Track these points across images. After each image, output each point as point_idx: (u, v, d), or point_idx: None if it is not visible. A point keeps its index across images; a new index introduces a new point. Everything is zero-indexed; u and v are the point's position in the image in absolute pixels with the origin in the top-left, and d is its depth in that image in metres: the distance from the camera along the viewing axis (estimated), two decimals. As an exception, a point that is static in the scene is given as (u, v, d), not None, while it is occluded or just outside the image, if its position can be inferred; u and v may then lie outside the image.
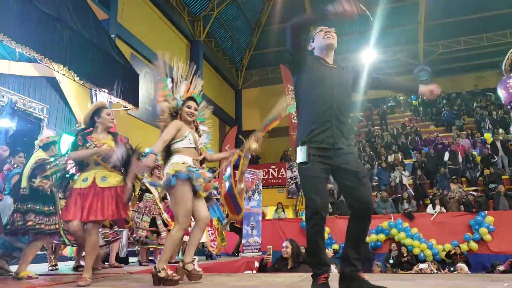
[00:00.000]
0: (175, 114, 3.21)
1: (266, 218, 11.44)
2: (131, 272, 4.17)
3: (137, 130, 11.14)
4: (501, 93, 6.67)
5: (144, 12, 12.62)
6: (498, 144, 11.84)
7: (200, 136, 3.25)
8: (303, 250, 6.17)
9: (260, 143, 3.37)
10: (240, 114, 20.02)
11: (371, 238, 9.38)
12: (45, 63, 6.17)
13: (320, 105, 2.36)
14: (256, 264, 7.41)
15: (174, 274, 2.83)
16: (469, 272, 6.21)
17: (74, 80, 6.83)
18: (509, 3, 15.65)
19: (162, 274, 2.77)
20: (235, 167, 3.50)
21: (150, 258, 5.72)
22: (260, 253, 8.52)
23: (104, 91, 7.27)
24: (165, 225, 5.33)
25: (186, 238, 4.72)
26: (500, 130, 12.50)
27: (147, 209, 5.30)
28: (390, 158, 12.69)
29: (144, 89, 10.98)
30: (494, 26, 16.46)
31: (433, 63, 18.10)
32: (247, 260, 7.23)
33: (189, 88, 3.35)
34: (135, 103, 8.24)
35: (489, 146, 12.11)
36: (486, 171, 11.15)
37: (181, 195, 2.88)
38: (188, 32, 15.13)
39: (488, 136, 12.55)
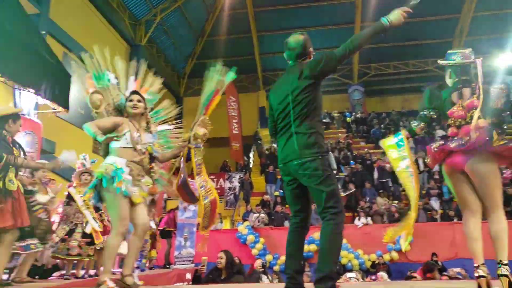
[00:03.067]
0: (119, 110, 3.12)
1: (201, 228, 11.30)
2: None
3: (67, 135, 10.51)
4: None
5: (80, 10, 12.03)
6: (420, 161, 12.89)
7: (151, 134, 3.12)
8: (237, 261, 6.21)
9: (207, 126, 3.28)
10: (180, 122, 19.70)
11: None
12: (-39, 56, 5.63)
13: None
14: (188, 276, 7.29)
15: None
16: (388, 280, 6.65)
17: (-5, 77, 6.29)
18: (433, 35, 17.28)
19: None
20: (187, 160, 3.37)
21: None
22: (193, 264, 8.39)
23: (30, 91, 6.77)
24: (86, 236, 4.96)
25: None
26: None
27: (68, 217, 4.98)
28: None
29: (77, 91, 10.42)
30: (419, 54, 18.02)
31: (366, 84, 19.34)
32: (178, 272, 7.09)
33: (141, 85, 3.27)
34: (65, 106, 7.77)
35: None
36: (409, 186, 12.05)
37: (112, 199, 2.78)
38: (129, 35, 14.68)
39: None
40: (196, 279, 6.46)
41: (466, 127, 2.66)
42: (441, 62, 2.97)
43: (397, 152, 2.95)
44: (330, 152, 2.57)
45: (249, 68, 19.38)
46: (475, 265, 2.56)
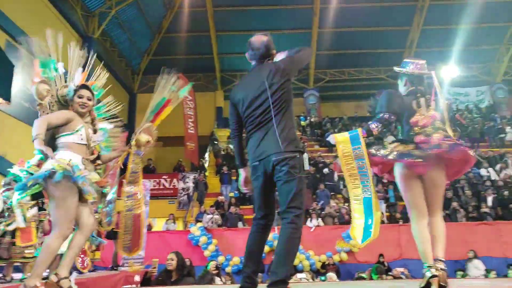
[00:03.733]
0: (64, 103, 2.92)
1: (152, 230, 11.01)
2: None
3: (8, 129, 9.82)
4: None
5: (27, -3, 11.30)
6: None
7: (95, 132, 2.92)
8: (188, 262, 6.12)
9: (153, 134, 3.13)
10: (133, 119, 19.10)
11: (255, 250, 9.67)
12: None
13: None
14: (137, 278, 7.06)
15: None
16: (338, 280, 6.85)
17: None
18: (386, 44, 18.10)
19: None
20: (124, 165, 3.20)
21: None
22: (143, 266, 8.16)
23: (-34, 80, 6.25)
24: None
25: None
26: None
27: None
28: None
29: (21, 81, 9.77)
30: (372, 63, 18.79)
31: (321, 89, 19.82)
32: (126, 274, 6.84)
33: (86, 77, 3.05)
34: (7, 97, 7.26)
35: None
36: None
37: (63, 197, 2.57)
38: (80, 26, 14.01)
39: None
40: (146, 282, 6.27)
41: (437, 135, 2.75)
42: (396, 69, 3.07)
43: (351, 148, 2.91)
44: (306, 154, 2.64)
45: (207, 67, 19.22)
46: (428, 264, 2.66)
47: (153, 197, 12.47)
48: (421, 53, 17.87)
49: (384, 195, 11.90)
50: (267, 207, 2.53)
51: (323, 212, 10.84)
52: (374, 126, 2.86)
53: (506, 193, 11.37)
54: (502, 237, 9.64)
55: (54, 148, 2.74)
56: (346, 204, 11.60)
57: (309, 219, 10.43)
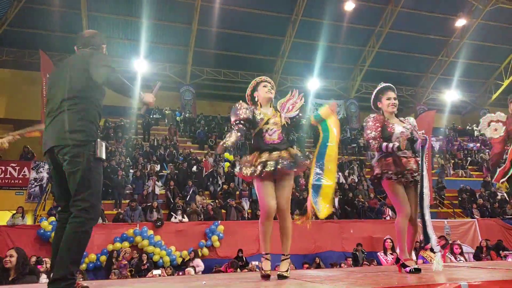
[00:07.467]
0: None
1: (-9, 224, 9.60)
2: None
3: None
4: None
5: None
6: (237, 164, 14.06)
7: None
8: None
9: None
10: None
11: (115, 246, 9.21)
12: None
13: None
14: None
15: None
16: (194, 274, 7.08)
17: None
18: (261, 51, 19.13)
19: None
20: None
21: None
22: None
23: None
24: None
25: None
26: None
27: None
28: (147, 168, 13.04)
29: None
30: (247, 67, 19.64)
31: (197, 86, 19.93)
32: None
33: None
34: None
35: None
36: (225, 187, 12.99)
37: None
38: None
39: (231, 158, 14.71)
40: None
41: None
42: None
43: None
44: (100, 140, 2.51)
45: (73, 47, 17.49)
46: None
47: (-4, 187, 10.91)
48: (291, 63, 19.49)
49: (248, 193, 12.61)
50: (65, 199, 2.43)
51: (188, 209, 10.93)
52: None
53: (350, 194, 13.20)
54: (343, 233, 11.18)
55: None
56: (211, 200, 11.96)
57: (174, 215, 10.43)
